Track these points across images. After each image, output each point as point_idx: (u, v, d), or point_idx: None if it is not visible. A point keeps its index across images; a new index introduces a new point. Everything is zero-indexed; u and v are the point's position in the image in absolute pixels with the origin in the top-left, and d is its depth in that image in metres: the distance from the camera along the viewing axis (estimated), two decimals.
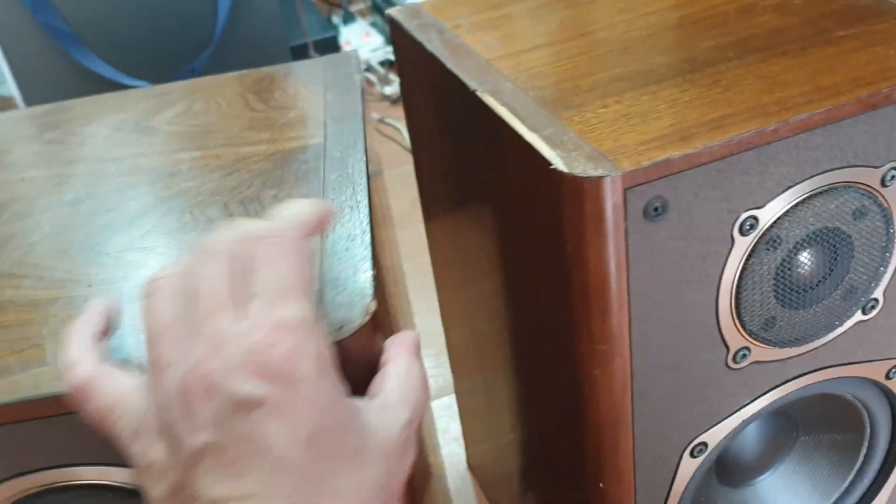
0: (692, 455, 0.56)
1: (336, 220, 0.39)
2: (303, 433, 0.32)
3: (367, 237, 0.44)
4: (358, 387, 0.38)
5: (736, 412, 0.56)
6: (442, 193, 0.74)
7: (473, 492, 0.97)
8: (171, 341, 0.33)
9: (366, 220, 0.45)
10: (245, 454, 0.31)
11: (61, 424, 0.39)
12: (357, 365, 0.38)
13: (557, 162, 0.44)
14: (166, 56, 1.21)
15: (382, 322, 0.42)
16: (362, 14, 2.23)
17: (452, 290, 0.82)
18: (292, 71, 0.64)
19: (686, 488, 0.58)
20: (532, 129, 0.47)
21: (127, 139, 0.58)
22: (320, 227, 0.38)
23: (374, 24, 2.16)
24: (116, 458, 0.38)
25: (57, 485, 0.41)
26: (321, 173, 0.49)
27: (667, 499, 0.58)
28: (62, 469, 0.41)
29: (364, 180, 0.48)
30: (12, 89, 1.24)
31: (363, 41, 2.06)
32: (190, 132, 0.58)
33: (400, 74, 0.71)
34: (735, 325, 0.51)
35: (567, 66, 0.55)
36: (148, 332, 0.34)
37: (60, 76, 1.16)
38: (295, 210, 0.37)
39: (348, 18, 2.17)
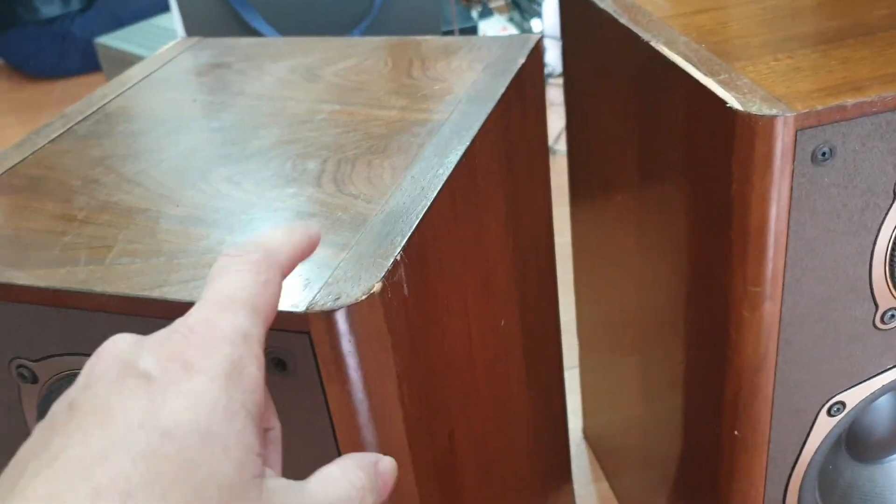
0: (829, 413, 0.57)
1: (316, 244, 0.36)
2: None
3: (412, 224, 0.42)
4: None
5: (878, 375, 0.56)
6: (594, 165, 0.77)
7: (587, 460, 0.99)
8: None
9: (421, 209, 0.43)
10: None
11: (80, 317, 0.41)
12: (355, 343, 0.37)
13: (733, 101, 0.47)
14: (327, 24, 1.28)
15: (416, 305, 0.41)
16: (500, 10, 2.29)
17: (591, 269, 0.85)
18: (467, 44, 0.64)
19: (818, 449, 0.59)
20: (707, 73, 0.50)
21: (293, 82, 0.61)
22: (299, 257, 0.35)
23: (511, 20, 2.21)
24: None
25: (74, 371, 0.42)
26: (418, 151, 0.49)
27: (798, 456, 0.59)
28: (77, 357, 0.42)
29: (448, 169, 0.46)
30: None
31: (500, 34, 2.11)
32: (345, 86, 0.59)
33: (563, 38, 0.75)
34: (887, 283, 0.52)
35: (736, 26, 0.57)
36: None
37: (228, 35, 1.24)
38: (276, 239, 0.34)
39: (485, 13, 2.23)
